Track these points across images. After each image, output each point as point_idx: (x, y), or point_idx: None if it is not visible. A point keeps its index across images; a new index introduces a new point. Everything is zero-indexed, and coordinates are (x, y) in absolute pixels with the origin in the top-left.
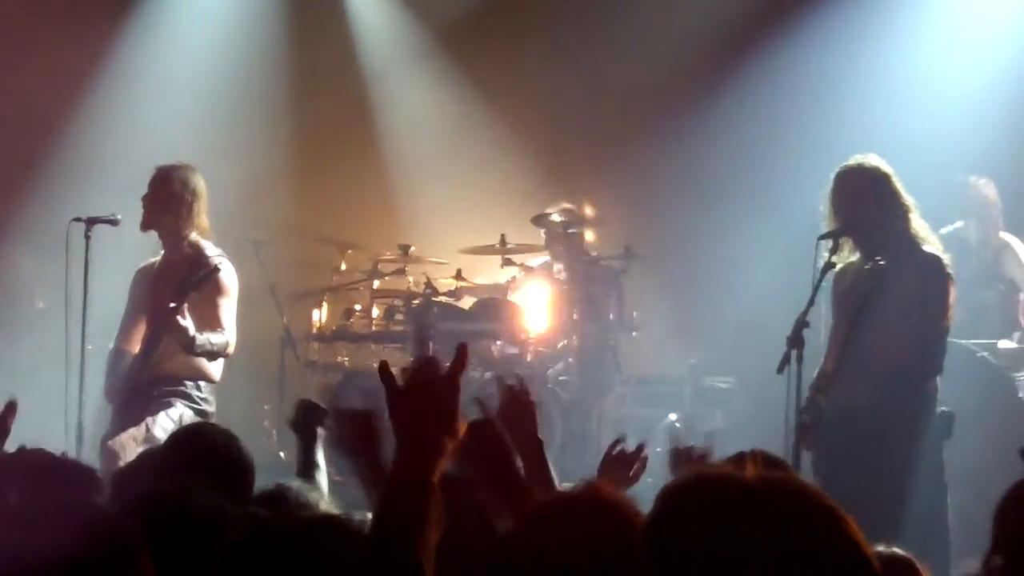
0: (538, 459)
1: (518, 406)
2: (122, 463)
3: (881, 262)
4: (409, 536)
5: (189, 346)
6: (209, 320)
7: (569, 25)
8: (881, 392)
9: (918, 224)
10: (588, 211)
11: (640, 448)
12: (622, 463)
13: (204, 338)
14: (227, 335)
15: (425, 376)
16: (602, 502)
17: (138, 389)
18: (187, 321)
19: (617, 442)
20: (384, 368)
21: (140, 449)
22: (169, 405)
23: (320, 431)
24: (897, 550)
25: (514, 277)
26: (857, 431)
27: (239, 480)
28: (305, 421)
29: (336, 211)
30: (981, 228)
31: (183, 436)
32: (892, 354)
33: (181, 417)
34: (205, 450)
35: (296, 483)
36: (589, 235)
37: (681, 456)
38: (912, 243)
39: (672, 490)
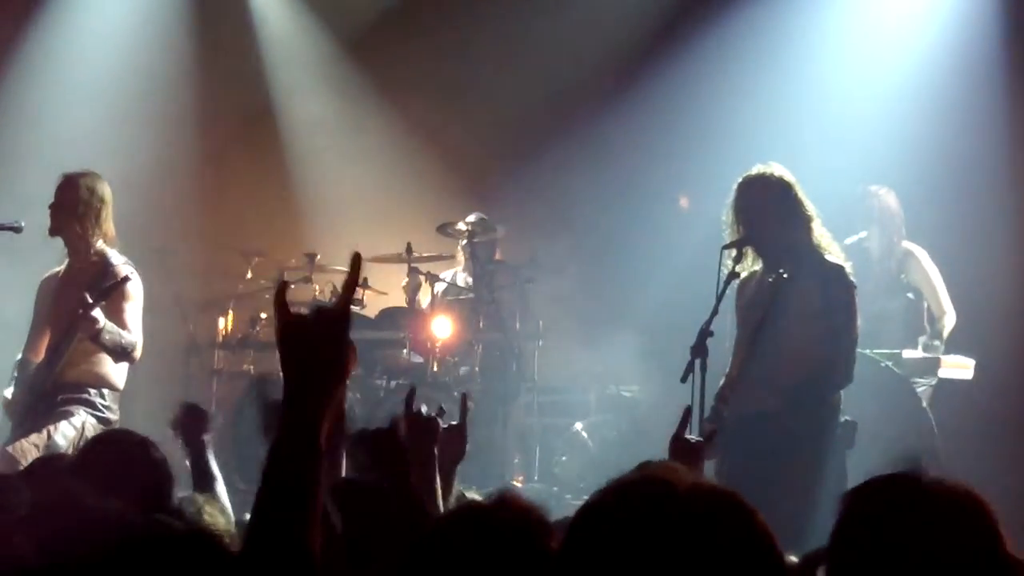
0: (430, 475)
1: (421, 426)
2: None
3: (784, 274)
4: (295, 510)
5: (96, 335)
6: (115, 326)
7: (476, 35)
8: (786, 402)
9: (820, 233)
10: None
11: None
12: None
13: (113, 328)
14: (134, 337)
15: (307, 315)
16: (512, 512)
17: (41, 397)
18: (96, 312)
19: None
20: (280, 292)
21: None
22: (71, 413)
23: (207, 438)
24: (796, 560)
25: (419, 285)
26: (762, 440)
27: (156, 487)
28: (187, 425)
29: (242, 219)
30: (884, 237)
31: (97, 443)
32: (797, 365)
33: (84, 425)
34: (119, 457)
35: (197, 497)
36: (497, 243)
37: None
38: (814, 253)
39: (606, 492)
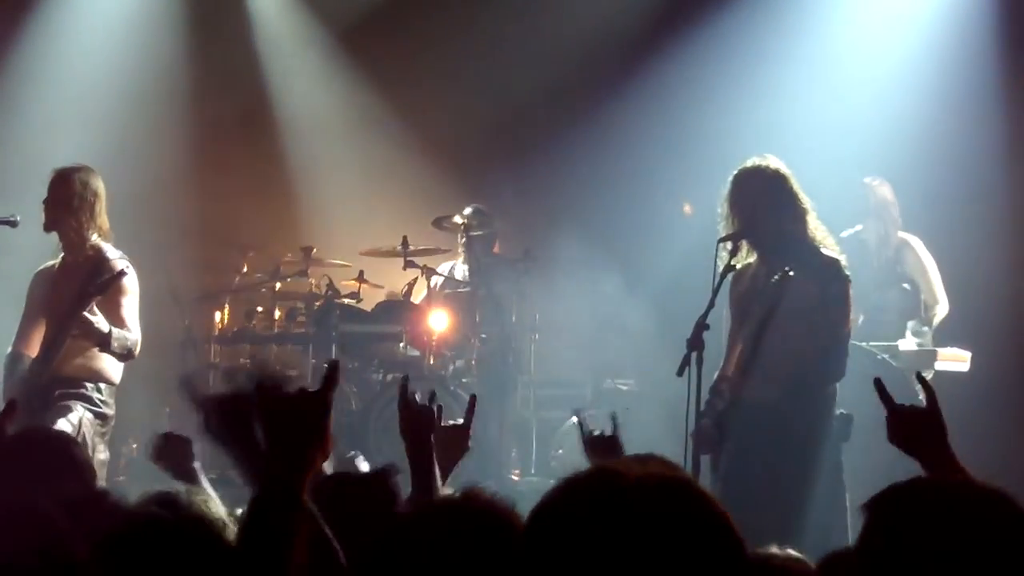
0: (428, 468)
1: (417, 418)
2: None
3: (791, 272)
4: (275, 556)
5: (106, 342)
6: (113, 322)
7: (471, 28)
8: (782, 395)
9: (815, 226)
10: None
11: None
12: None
13: (120, 333)
14: (136, 334)
15: (297, 389)
16: (477, 505)
17: (37, 391)
18: (98, 316)
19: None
20: (258, 372)
21: None
22: (69, 408)
23: (196, 466)
24: (792, 551)
25: (416, 279)
26: (757, 432)
27: (74, 483)
28: (171, 456)
29: (238, 213)
30: (881, 228)
31: (11, 443)
32: (792, 358)
33: (81, 420)
34: (36, 454)
35: (183, 488)
36: (495, 237)
37: (594, 443)
38: (809, 246)
39: (558, 488)
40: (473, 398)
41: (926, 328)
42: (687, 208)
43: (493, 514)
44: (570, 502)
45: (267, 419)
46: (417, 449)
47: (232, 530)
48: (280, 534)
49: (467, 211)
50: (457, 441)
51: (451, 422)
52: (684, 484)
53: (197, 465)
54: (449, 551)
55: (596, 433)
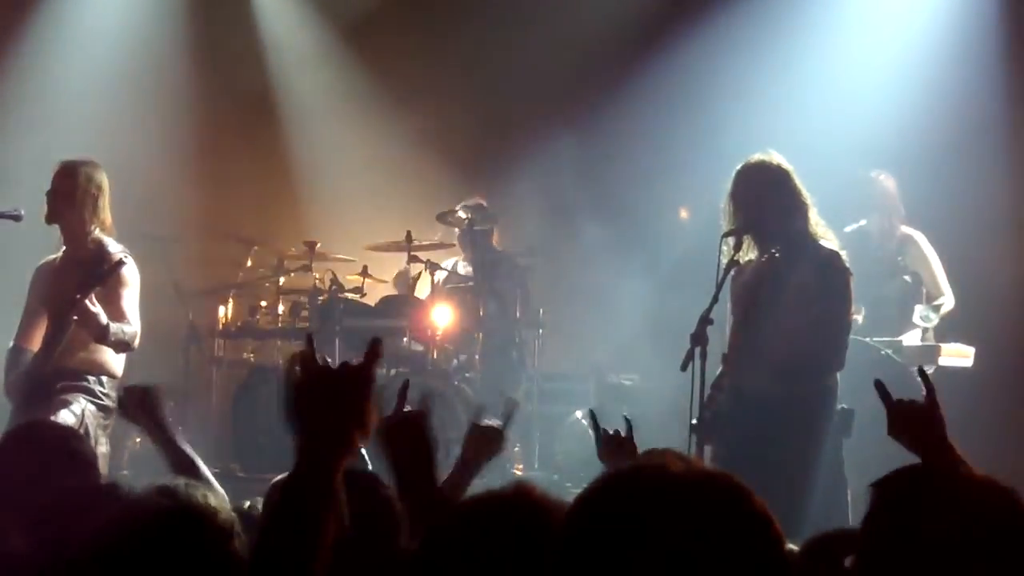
0: (427, 466)
1: (402, 426)
2: None
3: (776, 254)
4: (301, 535)
5: (103, 335)
6: (113, 313)
7: (474, 22)
8: (781, 386)
9: (816, 220)
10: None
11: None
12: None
13: (117, 327)
14: (135, 326)
15: (336, 368)
16: (530, 501)
17: (39, 385)
18: (98, 308)
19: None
20: (298, 357)
21: None
22: (71, 401)
23: (166, 417)
24: (791, 546)
25: (419, 273)
26: (758, 425)
27: (77, 478)
28: (134, 409)
29: (242, 207)
30: (885, 221)
31: (13, 436)
32: (790, 349)
33: (83, 412)
34: (37, 448)
35: (181, 481)
36: (495, 232)
37: (609, 442)
38: (810, 239)
39: (599, 482)
40: (515, 404)
41: (933, 315)
42: (683, 213)
43: (547, 506)
44: (615, 497)
45: (307, 394)
46: (399, 456)
47: (231, 520)
48: (311, 514)
49: (464, 205)
50: (491, 440)
51: (488, 422)
52: (729, 480)
53: (167, 417)
54: (503, 543)
55: (611, 432)
